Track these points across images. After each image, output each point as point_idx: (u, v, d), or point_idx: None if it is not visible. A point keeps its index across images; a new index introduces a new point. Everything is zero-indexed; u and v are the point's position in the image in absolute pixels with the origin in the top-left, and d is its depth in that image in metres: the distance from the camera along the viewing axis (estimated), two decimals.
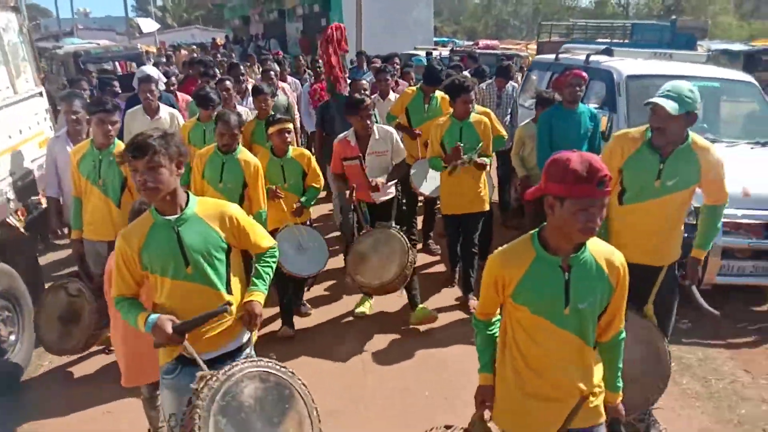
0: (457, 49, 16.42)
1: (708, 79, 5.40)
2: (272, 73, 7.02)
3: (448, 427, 2.42)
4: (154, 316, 2.24)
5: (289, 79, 8.27)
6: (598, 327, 2.13)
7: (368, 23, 15.97)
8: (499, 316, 2.26)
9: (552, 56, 6.99)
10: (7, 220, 4.13)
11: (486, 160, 4.73)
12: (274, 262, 2.59)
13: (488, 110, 5.48)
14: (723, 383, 3.92)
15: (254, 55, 12.96)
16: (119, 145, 3.84)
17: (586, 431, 2.15)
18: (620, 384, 2.25)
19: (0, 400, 3.77)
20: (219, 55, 16.10)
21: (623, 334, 2.21)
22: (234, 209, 2.45)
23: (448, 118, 4.80)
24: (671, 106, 2.74)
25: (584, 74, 4.93)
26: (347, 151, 4.52)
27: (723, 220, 4.36)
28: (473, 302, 4.81)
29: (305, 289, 5.00)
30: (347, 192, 4.52)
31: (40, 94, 5.07)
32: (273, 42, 21.07)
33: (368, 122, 4.44)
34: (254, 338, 2.60)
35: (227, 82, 5.89)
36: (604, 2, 47.01)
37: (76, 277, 3.90)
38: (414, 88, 6.04)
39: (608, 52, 6.01)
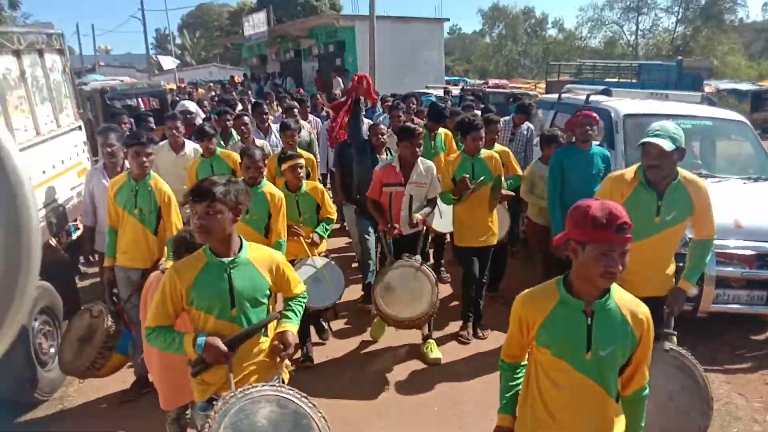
0: (467, 88, 16.86)
1: (701, 118, 5.72)
2: (295, 110, 7.30)
3: None
4: (203, 337, 2.34)
5: (310, 116, 8.57)
6: (621, 379, 2.11)
7: (381, 63, 16.51)
8: (525, 362, 2.25)
9: (556, 96, 7.37)
10: (50, 242, 4.47)
11: (508, 191, 4.95)
12: (304, 302, 2.75)
13: (507, 149, 5.72)
14: (717, 404, 4.09)
15: (272, 92, 13.46)
16: (154, 177, 4.11)
17: None
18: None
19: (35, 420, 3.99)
20: (235, 93, 16.69)
21: (646, 391, 2.17)
22: (281, 258, 2.62)
23: (459, 154, 4.92)
24: (666, 144, 2.92)
25: (596, 115, 5.00)
26: (390, 177, 4.59)
27: (716, 251, 4.67)
28: (487, 332, 5.07)
29: (324, 322, 5.09)
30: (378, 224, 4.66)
31: (79, 127, 5.50)
32: (289, 80, 21.79)
33: (417, 150, 4.54)
34: (286, 377, 2.66)
35: (245, 118, 6.17)
36: (613, 42, 47.60)
37: (102, 302, 4.06)
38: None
39: (607, 92, 6.37)
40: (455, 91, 16.73)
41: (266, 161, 4.59)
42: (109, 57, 52.06)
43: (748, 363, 4.74)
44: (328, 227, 4.71)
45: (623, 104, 5.95)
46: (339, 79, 18.75)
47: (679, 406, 2.87)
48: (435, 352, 4.71)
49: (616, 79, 20.10)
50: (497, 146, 5.56)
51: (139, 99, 14.37)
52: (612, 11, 46.11)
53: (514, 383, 2.28)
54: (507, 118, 7.06)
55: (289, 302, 2.69)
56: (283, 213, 4.16)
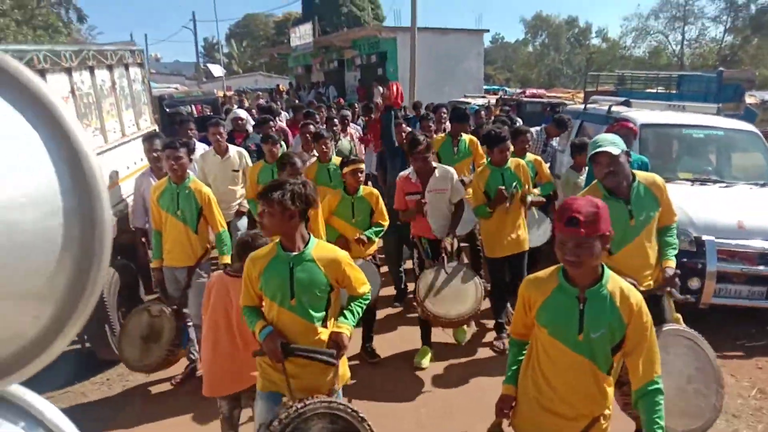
0: (505, 97, 17.32)
1: (714, 128, 6.21)
2: (335, 120, 7.76)
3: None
4: (270, 328, 2.61)
5: (352, 125, 9.01)
6: (629, 371, 2.26)
7: (421, 73, 17.17)
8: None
9: (582, 106, 7.91)
10: (130, 226, 5.30)
11: (530, 197, 4.93)
12: (366, 304, 2.88)
13: (539, 158, 5.89)
14: None
15: (322, 103, 14.26)
16: (193, 179, 4.39)
17: None
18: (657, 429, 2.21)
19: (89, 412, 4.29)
20: (280, 102, 17.63)
21: (658, 385, 2.21)
22: (344, 256, 2.77)
23: (486, 166, 4.97)
24: (612, 149, 3.12)
25: (632, 126, 5.20)
26: (410, 187, 4.75)
27: (719, 248, 5.16)
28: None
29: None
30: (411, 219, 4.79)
31: (155, 130, 6.36)
32: (331, 89, 22.68)
33: (423, 162, 4.66)
34: (341, 382, 2.84)
35: (311, 126, 6.39)
36: (658, 52, 47.08)
37: (157, 301, 4.36)
38: (443, 134, 6.54)
39: (627, 103, 6.90)
40: (492, 100, 17.24)
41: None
42: (159, 65, 54.33)
43: (745, 351, 5.20)
44: (377, 231, 4.76)
45: (641, 114, 6.46)
46: (380, 88, 19.47)
47: (697, 388, 2.95)
48: (462, 335, 5.11)
49: (654, 90, 20.15)
50: (529, 155, 5.72)
51: (193, 106, 15.48)
52: (657, 21, 45.77)
53: (520, 357, 2.50)
54: (539, 128, 7.39)
55: (351, 302, 2.84)
56: (322, 218, 4.37)
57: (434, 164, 4.78)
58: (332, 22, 37.14)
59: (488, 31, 26.28)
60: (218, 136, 5.90)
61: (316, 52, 26.79)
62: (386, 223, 4.86)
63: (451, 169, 4.92)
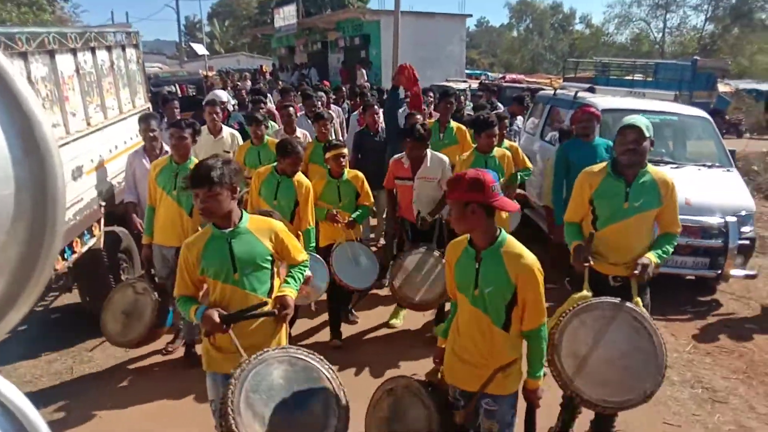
0: (486, 82, 17.80)
1: (668, 114, 6.78)
2: (317, 101, 7.90)
3: (413, 375, 3.00)
4: (203, 308, 2.67)
5: (333, 107, 9.15)
6: (519, 317, 2.58)
7: (404, 57, 17.50)
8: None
9: (552, 91, 8.46)
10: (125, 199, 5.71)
11: (521, 191, 5.05)
12: (305, 270, 3.02)
13: (515, 144, 6.03)
14: None
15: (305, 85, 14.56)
16: (194, 161, 4.30)
17: (495, 397, 2.66)
18: (539, 374, 2.63)
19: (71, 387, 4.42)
20: (263, 83, 17.89)
21: (543, 332, 2.62)
22: (279, 226, 2.86)
23: (472, 152, 5.06)
24: (644, 129, 3.15)
25: (594, 110, 5.45)
26: (400, 171, 4.86)
27: None
28: None
29: (354, 301, 5.41)
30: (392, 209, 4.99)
31: (148, 108, 6.77)
32: (313, 71, 22.98)
33: (417, 150, 4.77)
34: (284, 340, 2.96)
35: (290, 108, 6.40)
36: (640, 39, 47.80)
37: (143, 278, 4.44)
38: (431, 120, 6.48)
39: (592, 90, 7.47)
40: (474, 84, 17.71)
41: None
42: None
43: (688, 315, 5.83)
44: (363, 213, 4.94)
45: (603, 100, 7.02)
46: (363, 70, 19.91)
47: (629, 366, 2.91)
48: (399, 320, 5.34)
49: (631, 77, 20.81)
50: (506, 142, 5.84)
51: (177, 86, 15.77)
52: (640, 8, 46.35)
53: (452, 317, 2.89)
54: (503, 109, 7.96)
55: (291, 269, 2.94)
56: (311, 202, 4.38)
57: (428, 152, 4.85)
58: (316, 3, 37.25)
59: (471, 15, 26.81)
60: (214, 116, 6.04)
61: (299, 33, 27.03)
62: (371, 205, 5.03)
63: (445, 158, 5.00)
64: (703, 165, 6.45)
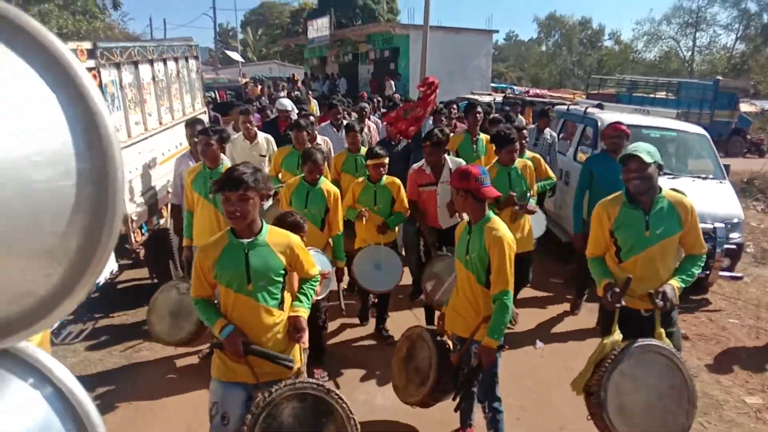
0: (510, 96, 18.52)
1: (668, 130, 7.53)
2: (340, 108, 7.80)
3: (427, 326, 3.82)
4: (230, 328, 2.70)
5: (372, 117, 9.40)
6: (491, 281, 3.24)
7: (431, 70, 18.39)
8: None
9: (565, 107, 9.24)
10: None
11: (534, 205, 5.13)
12: (316, 285, 3.11)
13: (538, 155, 6.14)
14: None
15: (335, 96, 15.36)
16: (226, 165, 4.52)
17: (478, 342, 3.32)
18: (495, 337, 3.18)
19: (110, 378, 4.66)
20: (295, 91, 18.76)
21: (506, 297, 3.19)
22: (296, 240, 2.92)
23: (494, 165, 5.16)
24: (645, 156, 3.15)
25: (624, 128, 5.53)
26: (423, 179, 4.96)
27: None
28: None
29: (385, 314, 5.43)
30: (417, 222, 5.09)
31: (204, 112, 7.76)
32: (342, 81, 24.00)
33: (435, 155, 4.91)
34: (302, 357, 2.99)
35: (311, 117, 6.86)
36: (669, 57, 47.93)
37: (184, 279, 4.52)
38: (461, 133, 6.74)
39: (600, 106, 8.23)
40: (499, 98, 18.45)
41: (328, 160, 5.25)
42: None
43: (678, 310, 6.52)
44: (397, 220, 5.11)
45: (609, 115, 7.78)
46: (391, 82, 20.88)
47: (667, 406, 2.95)
48: None
49: (653, 95, 21.38)
50: (528, 153, 6.00)
51: (217, 92, 16.90)
52: (669, 26, 46.64)
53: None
54: (532, 126, 8.35)
55: (303, 286, 3.03)
56: (340, 208, 4.62)
57: (446, 157, 5.05)
58: (347, 14, 38.43)
59: (497, 31, 27.69)
60: (248, 124, 6.34)
61: (331, 44, 28.15)
62: (406, 213, 5.14)
63: (463, 161, 5.16)
64: (698, 177, 7.18)
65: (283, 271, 2.81)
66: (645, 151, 3.20)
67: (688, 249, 3.33)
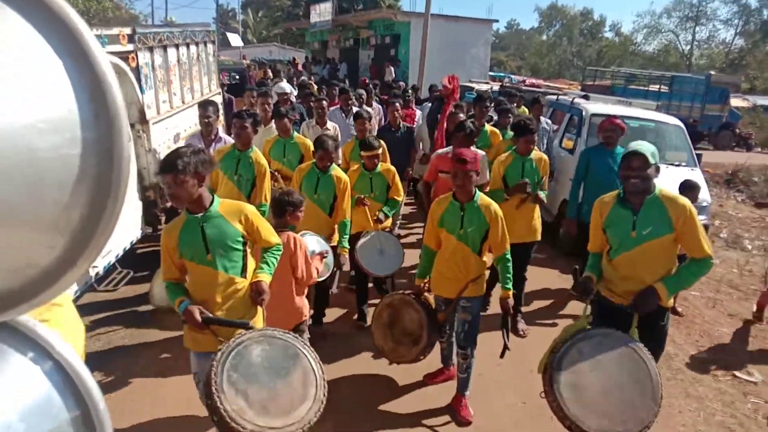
0: (507, 85, 19.13)
1: (646, 120, 8.26)
2: (351, 94, 8.06)
3: (405, 291, 4.19)
4: (186, 303, 2.86)
5: (374, 104, 9.50)
6: (489, 246, 3.86)
7: (431, 57, 19.02)
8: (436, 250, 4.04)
9: (554, 97, 9.95)
10: None
11: (543, 195, 5.25)
12: (278, 254, 3.21)
13: (545, 156, 5.89)
14: None
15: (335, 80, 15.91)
16: (255, 150, 4.83)
17: (469, 299, 3.96)
18: (508, 286, 3.84)
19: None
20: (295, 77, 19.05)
21: (507, 256, 3.87)
22: (250, 209, 3.04)
23: (510, 153, 5.32)
24: (649, 156, 3.10)
25: (620, 122, 5.85)
26: (445, 165, 4.88)
27: None
28: (527, 329, 5.52)
29: (384, 287, 5.71)
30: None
31: (219, 93, 8.45)
32: (343, 66, 24.56)
33: (468, 144, 4.97)
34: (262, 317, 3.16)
35: (324, 102, 6.92)
36: (668, 51, 48.66)
37: None
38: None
39: (586, 97, 8.95)
40: (496, 86, 19.05)
41: (338, 148, 5.29)
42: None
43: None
44: (393, 206, 5.34)
45: (593, 106, 8.50)
46: (391, 68, 21.48)
47: (626, 397, 2.93)
48: None
49: (647, 88, 22.07)
50: (535, 150, 5.78)
51: (220, 74, 17.45)
52: (669, 19, 47.41)
53: (427, 263, 4.10)
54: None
55: (264, 253, 3.15)
56: (348, 195, 4.78)
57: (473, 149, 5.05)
58: (349, 0, 38.85)
59: (497, 21, 28.25)
60: (266, 106, 6.58)
61: (333, 29, 28.66)
62: (402, 199, 5.45)
63: (484, 154, 5.43)
64: (672, 164, 7.92)
65: (241, 239, 2.96)
66: (649, 151, 3.14)
67: (688, 252, 3.23)
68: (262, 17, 55.81)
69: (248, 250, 3.02)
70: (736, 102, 25.53)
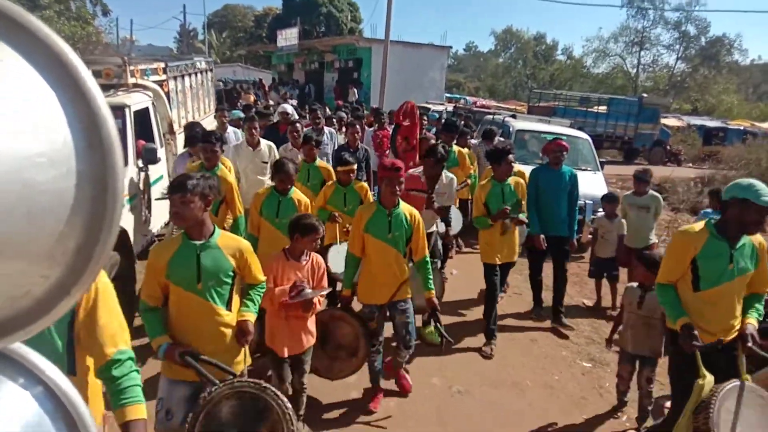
0: (459, 106, 21.21)
1: (558, 134, 10.55)
2: (319, 113, 8.69)
3: (331, 307, 4.48)
4: (165, 345, 2.88)
5: (326, 129, 9.14)
6: (411, 251, 4.16)
7: (391, 80, 20.97)
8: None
9: (491, 116, 12.29)
10: None
11: (523, 217, 5.58)
12: (263, 291, 3.30)
13: (523, 171, 6.50)
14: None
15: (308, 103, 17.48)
16: (222, 168, 5.17)
17: (405, 300, 4.22)
18: (430, 286, 4.18)
19: None
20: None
21: (425, 260, 4.20)
22: (246, 245, 3.13)
23: (489, 181, 5.60)
24: None
25: (565, 143, 6.29)
26: (415, 185, 5.32)
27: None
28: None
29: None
30: None
31: (214, 113, 10.47)
32: (311, 87, 26.74)
33: (435, 172, 5.31)
34: (246, 359, 3.21)
35: (297, 125, 7.14)
36: (615, 74, 52.08)
37: None
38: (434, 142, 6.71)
39: (514, 116, 11.30)
40: (450, 107, 21.10)
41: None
42: (134, 48, 57.04)
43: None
44: None
45: (519, 123, 10.83)
46: (354, 89, 23.73)
47: None
48: (434, 338, 5.36)
49: (585, 109, 24.83)
50: (516, 167, 5.96)
51: None
52: (616, 44, 50.71)
53: (355, 272, 4.24)
54: (479, 140, 9.79)
55: (249, 291, 3.21)
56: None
57: (444, 172, 5.48)
58: (311, 21, 41.14)
59: (451, 47, 31.23)
60: (253, 130, 6.68)
61: (299, 52, 30.89)
62: None
63: (454, 177, 5.73)
64: (581, 169, 10.23)
65: (232, 273, 3.01)
66: None
67: (754, 287, 3.47)
68: (225, 38, 57.69)
69: (236, 285, 3.08)
70: (671, 122, 28.64)
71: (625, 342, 4.45)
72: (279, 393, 2.74)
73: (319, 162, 6.12)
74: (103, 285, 2.13)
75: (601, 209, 9.48)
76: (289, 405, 2.71)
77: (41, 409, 0.82)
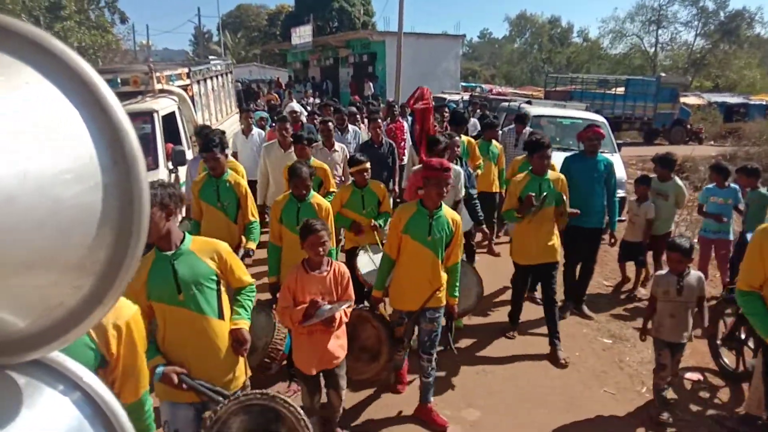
0: (475, 95, 21.29)
1: (576, 118, 10.72)
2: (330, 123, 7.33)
3: (360, 307, 4.08)
4: (161, 368, 2.77)
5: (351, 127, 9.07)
6: (446, 254, 3.90)
7: (406, 72, 21.23)
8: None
9: (507, 103, 12.42)
10: None
11: (572, 210, 5.25)
12: (253, 295, 3.15)
13: (561, 175, 5.87)
14: None
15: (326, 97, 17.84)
16: (230, 173, 4.90)
17: (435, 309, 4.02)
18: (455, 294, 4.06)
19: None
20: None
21: (458, 266, 4.03)
22: (224, 246, 2.97)
23: (527, 174, 5.27)
24: None
25: (601, 130, 6.09)
26: (419, 182, 4.93)
27: None
28: (561, 353, 5.23)
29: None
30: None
31: (237, 112, 10.80)
32: (328, 83, 27.06)
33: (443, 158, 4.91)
34: (247, 370, 3.15)
35: (330, 123, 7.01)
36: (633, 53, 51.38)
37: None
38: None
39: (529, 102, 11.43)
40: (466, 96, 21.17)
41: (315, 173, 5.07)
42: (151, 52, 57.81)
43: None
44: (386, 218, 5.22)
45: (535, 109, 10.95)
46: (370, 83, 23.97)
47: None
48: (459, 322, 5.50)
49: (603, 91, 24.71)
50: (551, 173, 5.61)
51: None
52: (633, 24, 49.77)
53: (389, 274, 4.07)
54: (511, 126, 9.53)
55: (238, 296, 3.07)
56: (332, 222, 4.66)
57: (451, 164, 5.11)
58: (324, 17, 41.38)
59: (465, 36, 31.03)
60: (284, 132, 6.63)
61: (313, 49, 31.20)
62: (391, 212, 5.15)
63: (460, 170, 5.61)
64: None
65: (214, 278, 2.87)
66: None
67: None
68: (240, 38, 58.22)
69: (223, 290, 2.95)
70: (692, 100, 28.34)
71: (663, 331, 4.28)
72: (288, 399, 2.66)
73: (314, 161, 5.83)
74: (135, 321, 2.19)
75: (621, 191, 9.67)
76: (301, 411, 2.66)
77: (81, 414, 0.85)
